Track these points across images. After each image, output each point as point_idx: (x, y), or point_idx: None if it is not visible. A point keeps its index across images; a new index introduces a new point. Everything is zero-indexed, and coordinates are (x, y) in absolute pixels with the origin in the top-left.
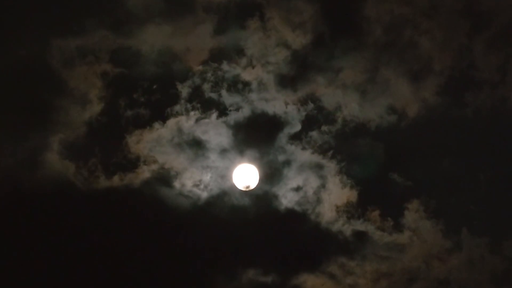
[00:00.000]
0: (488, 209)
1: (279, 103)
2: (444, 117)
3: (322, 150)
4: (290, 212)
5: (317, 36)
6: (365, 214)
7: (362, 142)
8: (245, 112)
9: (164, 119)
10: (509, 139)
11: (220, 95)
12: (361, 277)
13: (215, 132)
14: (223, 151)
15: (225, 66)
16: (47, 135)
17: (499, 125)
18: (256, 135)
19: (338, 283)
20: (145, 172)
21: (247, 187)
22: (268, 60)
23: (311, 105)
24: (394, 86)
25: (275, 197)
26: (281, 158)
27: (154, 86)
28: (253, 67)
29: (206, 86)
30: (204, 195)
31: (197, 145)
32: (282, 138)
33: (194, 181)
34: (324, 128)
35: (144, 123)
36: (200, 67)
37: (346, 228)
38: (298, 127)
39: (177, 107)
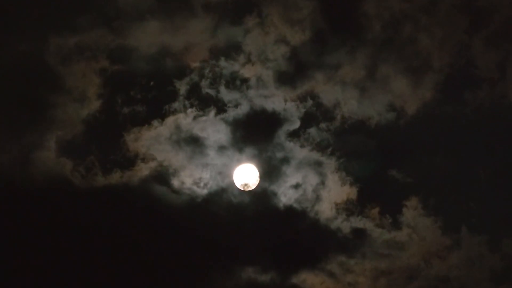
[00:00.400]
0: (488, 207)
1: (278, 100)
2: (443, 114)
3: (321, 147)
4: (289, 210)
5: (316, 33)
6: (364, 212)
7: (361, 139)
8: (244, 109)
9: (162, 116)
10: (508, 136)
11: (218, 92)
12: (361, 275)
13: (214, 129)
14: (222, 148)
15: (223, 62)
16: (45, 132)
17: (498, 122)
18: (255, 132)
19: (337, 282)
20: (143, 170)
21: (246, 185)
22: (267, 57)
23: (310, 102)
24: (393, 83)
25: (274, 194)
26: (279, 155)
27: (152, 83)
28: (252, 64)
29: (204, 83)
30: (203, 192)
31: (195, 143)
32: (281, 135)
33: (193, 179)
34: (323, 125)
35: (142, 121)
36: (198, 64)
37: (345, 225)
38: (297, 124)
39: (175, 105)
